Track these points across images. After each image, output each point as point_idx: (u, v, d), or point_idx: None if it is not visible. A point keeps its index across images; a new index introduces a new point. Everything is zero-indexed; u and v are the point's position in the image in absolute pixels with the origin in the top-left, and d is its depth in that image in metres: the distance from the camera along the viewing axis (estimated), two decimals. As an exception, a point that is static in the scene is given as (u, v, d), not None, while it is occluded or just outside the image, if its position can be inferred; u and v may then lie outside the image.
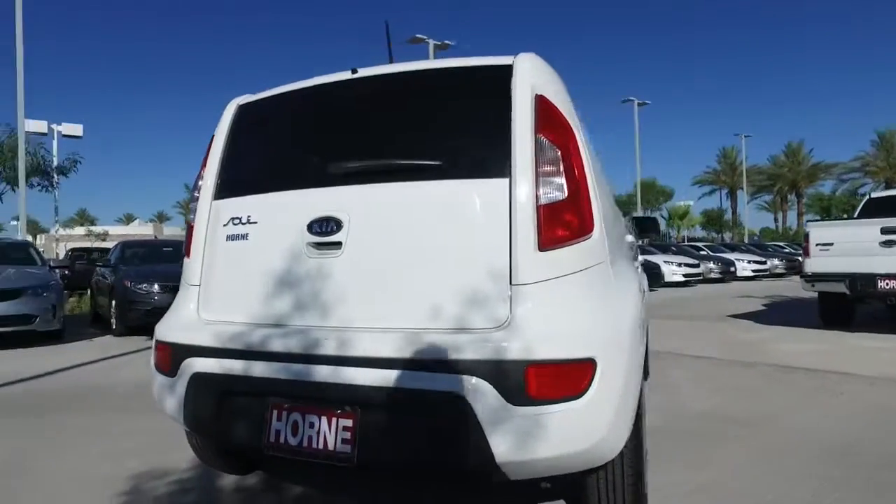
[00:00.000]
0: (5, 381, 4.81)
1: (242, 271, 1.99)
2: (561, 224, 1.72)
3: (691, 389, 4.34)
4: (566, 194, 1.73)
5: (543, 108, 1.80)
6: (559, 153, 1.76)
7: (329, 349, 1.71)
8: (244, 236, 2.01)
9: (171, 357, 1.97)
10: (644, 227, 4.05)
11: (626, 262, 2.10)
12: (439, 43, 20.66)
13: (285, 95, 2.18)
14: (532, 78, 1.84)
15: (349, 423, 1.67)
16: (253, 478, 2.58)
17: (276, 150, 2.15)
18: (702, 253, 20.09)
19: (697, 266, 17.20)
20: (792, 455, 2.85)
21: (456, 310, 1.68)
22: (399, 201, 1.81)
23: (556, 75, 1.95)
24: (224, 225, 2.06)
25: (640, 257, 4.74)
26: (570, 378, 1.58)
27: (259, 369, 1.79)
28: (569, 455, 1.61)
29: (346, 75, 2.08)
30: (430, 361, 1.60)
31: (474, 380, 1.56)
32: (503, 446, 1.55)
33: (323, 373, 1.70)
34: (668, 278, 16.29)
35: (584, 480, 1.84)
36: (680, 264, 16.82)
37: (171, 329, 2.04)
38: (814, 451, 2.90)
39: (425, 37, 20.50)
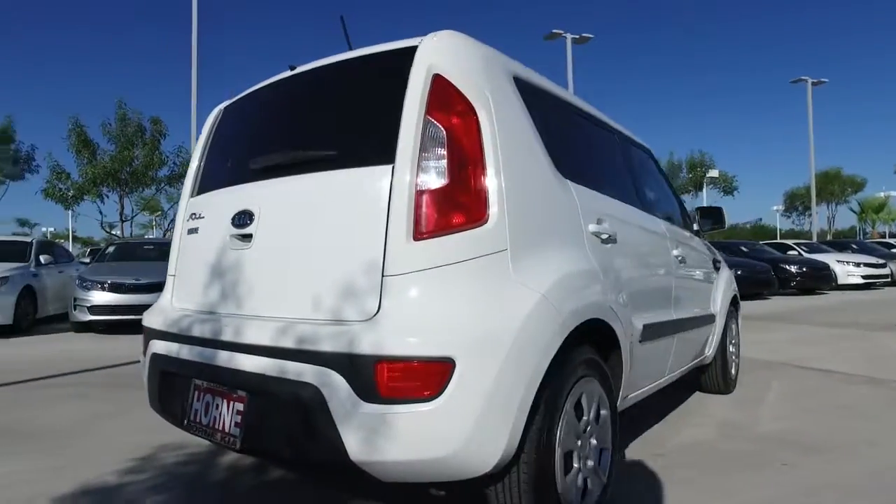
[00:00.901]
0: None
1: (194, 262, 2.17)
2: (441, 212, 1.61)
3: (777, 406, 3.70)
4: (448, 180, 1.62)
5: (438, 88, 1.70)
6: (448, 135, 1.65)
7: (228, 335, 1.80)
8: (196, 230, 2.19)
9: (144, 339, 2.23)
10: (708, 219, 3.56)
11: (562, 251, 1.86)
12: (577, 37, 19.98)
13: (242, 97, 2.33)
14: (431, 57, 1.74)
15: (241, 406, 1.74)
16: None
17: (226, 150, 2.31)
18: (894, 251, 16.86)
19: (883, 266, 14.47)
20: (840, 492, 2.30)
21: (333, 301, 1.66)
22: (297, 193, 1.84)
23: (477, 52, 1.83)
24: (187, 220, 2.27)
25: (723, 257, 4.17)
26: (422, 378, 1.47)
27: (186, 352, 1.95)
28: (423, 462, 1.50)
29: (282, 74, 2.17)
30: (297, 352, 1.60)
31: (330, 373, 1.53)
32: (355, 444, 1.49)
33: (223, 358, 1.80)
34: (842, 280, 13.98)
35: (484, 492, 1.70)
36: (858, 264, 14.31)
37: (148, 314, 2.30)
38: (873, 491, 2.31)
39: (562, 31, 19.99)
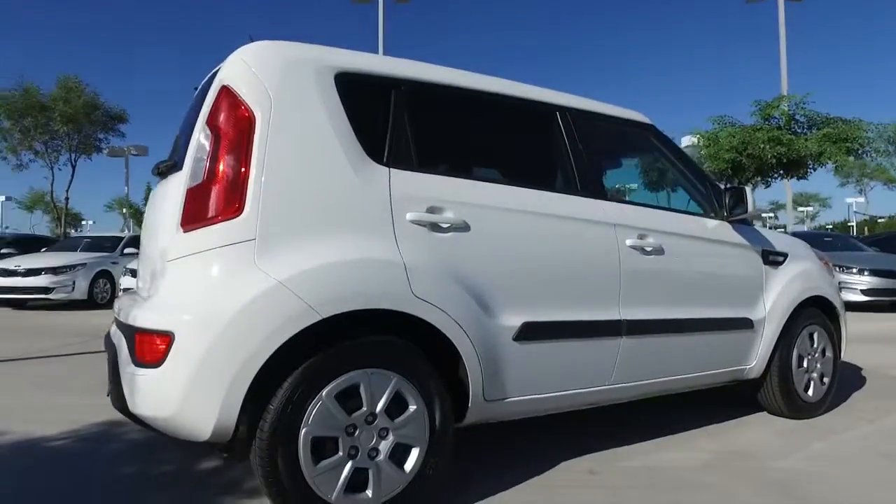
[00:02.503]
0: None
1: None
2: (201, 206, 1.81)
3: (852, 442, 2.87)
4: (208, 179, 1.81)
5: (220, 98, 1.89)
6: (215, 139, 1.84)
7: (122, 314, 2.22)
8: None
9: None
10: (731, 202, 2.92)
11: (342, 241, 1.86)
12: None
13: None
14: (226, 71, 1.94)
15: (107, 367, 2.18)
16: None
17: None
18: None
19: None
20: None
21: (150, 281, 2.00)
22: (163, 191, 2.18)
23: (277, 58, 1.95)
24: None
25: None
26: (152, 347, 1.72)
27: (114, 331, 2.46)
28: (160, 419, 1.73)
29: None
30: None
31: (122, 338, 1.89)
32: (129, 398, 1.81)
33: (114, 329, 2.25)
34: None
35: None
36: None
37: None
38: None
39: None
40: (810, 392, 3.27)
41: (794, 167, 11.94)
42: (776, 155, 11.19)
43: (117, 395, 1.89)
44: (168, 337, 1.69)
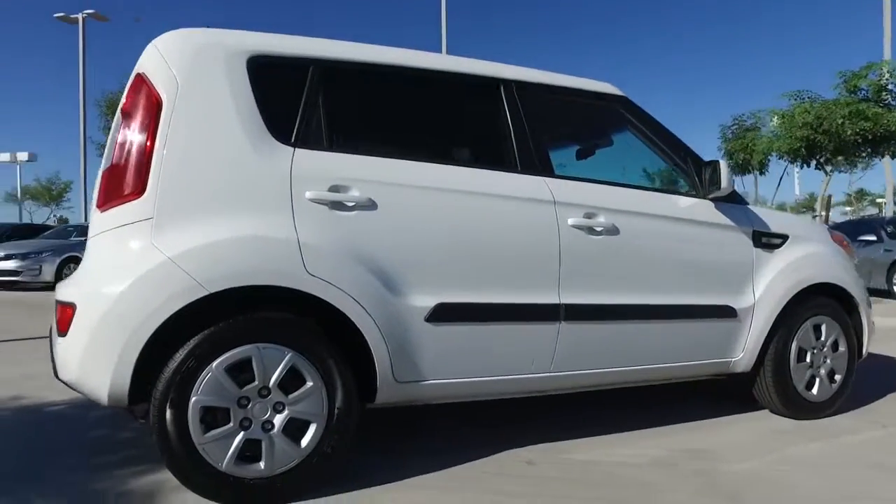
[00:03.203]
0: None
1: None
2: (110, 187, 1.93)
3: (840, 452, 2.56)
4: (116, 162, 1.92)
5: (133, 86, 2.00)
6: (124, 125, 1.95)
7: None
8: None
9: None
10: (709, 179, 2.67)
11: (236, 219, 1.91)
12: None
13: None
14: (142, 60, 2.04)
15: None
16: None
17: None
18: None
19: None
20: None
21: None
22: None
23: (187, 44, 2.02)
24: None
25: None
26: (64, 317, 1.88)
27: None
28: (71, 383, 1.86)
29: None
30: None
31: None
32: (54, 364, 1.97)
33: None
34: None
35: None
36: None
37: None
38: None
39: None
40: (814, 390, 2.94)
41: (884, 144, 10.47)
42: (858, 131, 9.86)
43: (52, 362, 2.07)
44: (72, 308, 1.83)
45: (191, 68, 1.99)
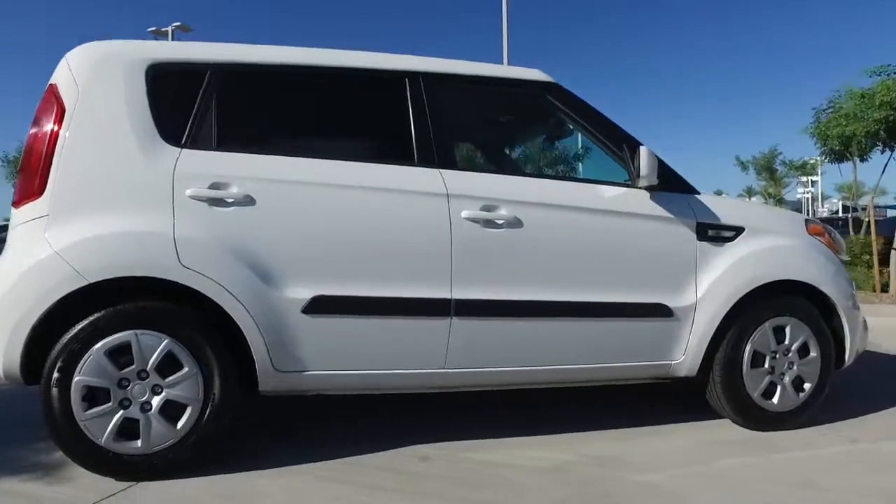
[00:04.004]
0: None
1: None
2: (19, 189, 2.16)
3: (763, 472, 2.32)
4: (23, 165, 2.15)
5: (45, 95, 2.22)
6: (32, 131, 2.17)
7: None
8: None
9: None
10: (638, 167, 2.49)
11: (121, 216, 2.05)
12: None
13: None
14: (56, 71, 2.25)
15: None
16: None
17: None
18: None
19: None
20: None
21: None
22: None
23: (93, 55, 2.21)
24: None
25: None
26: None
27: None
28: None
29: None
30: None
31: None
32: None
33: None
34: None
35: None
36: None
37: None
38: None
39: None
40: (775, 399, 2.66)
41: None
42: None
43: None
44: None
45: (90, 78, 2.17)
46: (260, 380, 2.18)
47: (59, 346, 2.01)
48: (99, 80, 2.18)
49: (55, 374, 2.01)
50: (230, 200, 2.14)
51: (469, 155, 2.75)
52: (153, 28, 17.42)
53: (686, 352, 2.57)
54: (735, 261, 2.60)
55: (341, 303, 2.20)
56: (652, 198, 2.55)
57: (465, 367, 2.36)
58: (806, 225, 2.86)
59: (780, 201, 29.57)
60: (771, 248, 2.67)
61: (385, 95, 2.43)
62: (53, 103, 2.16)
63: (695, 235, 2.58)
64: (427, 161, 2.36)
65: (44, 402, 2.02)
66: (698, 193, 2.69)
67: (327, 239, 2.21)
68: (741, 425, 2.68)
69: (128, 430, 2.06)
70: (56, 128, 2.12)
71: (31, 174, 2.11)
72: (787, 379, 2.68)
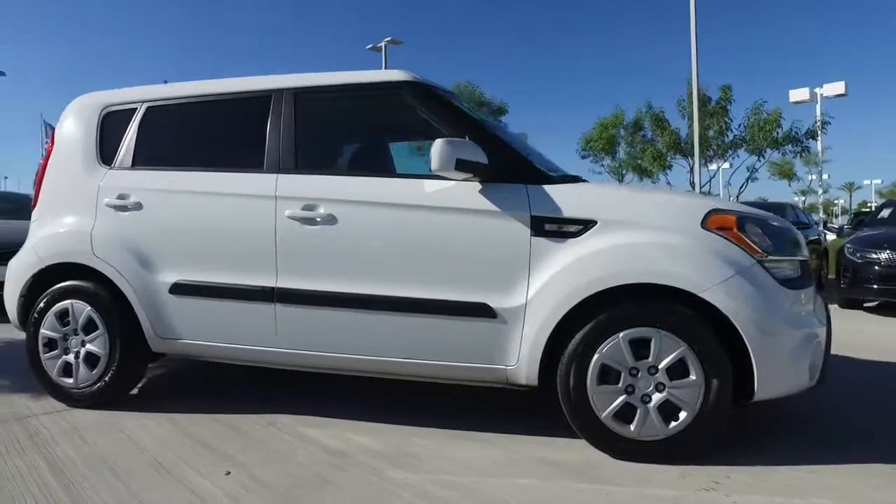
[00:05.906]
0: None
1: None
2: (35, 198, 3.21)
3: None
4: (35, 184, 3.20)
5: (53, 132, 3.24)
6: (40, 163, 3.20)
7: None
8: None
9: None
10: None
11: (68, 219, 2.89)
12: None
13: None
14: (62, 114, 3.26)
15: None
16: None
17: None
18: None
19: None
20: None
21: None
22: None
23: (78, 102, 3.16)
24: None
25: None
26: None
27: None
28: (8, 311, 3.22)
29: None
30: None
31: None
32: None
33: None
34: None
35: None
36: None
37: None
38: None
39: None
40: (633, 425, 2.22)
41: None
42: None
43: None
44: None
45: (68, 122, 3.11)
46: (150, 343, 2.83)
47: (38, 306, 2.98)
48: (71, 123, 3.09)
49: (31, 328, 2.99)
50: (128, 206, 2.84)
51: (337, 159, 2.97)
52: (370, 45, 19.70)
53: (519, 358, 2.34)
54: (574, 259, 2.26)
55: (194, 287, 2.71)
56: (481, 191, 2.40)
57: (292, 349, 2.62)
58: (706, 216, 2.26)
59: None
60: (627, 244, 2.23)
61: (254, 112, 2.83)
62: (51, 139, 3.16)
63: (529, 230, 2.33)
64: (271, 167, 2.69)
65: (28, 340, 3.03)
66: (543, 183, 2.39)
67: (188, 235, 2.74)
68: (601, 450, 2.30)
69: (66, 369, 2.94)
70: (48, 158, 3.11)
71: (35, 192, 3.14)
72: (651, 403, 2.21)
